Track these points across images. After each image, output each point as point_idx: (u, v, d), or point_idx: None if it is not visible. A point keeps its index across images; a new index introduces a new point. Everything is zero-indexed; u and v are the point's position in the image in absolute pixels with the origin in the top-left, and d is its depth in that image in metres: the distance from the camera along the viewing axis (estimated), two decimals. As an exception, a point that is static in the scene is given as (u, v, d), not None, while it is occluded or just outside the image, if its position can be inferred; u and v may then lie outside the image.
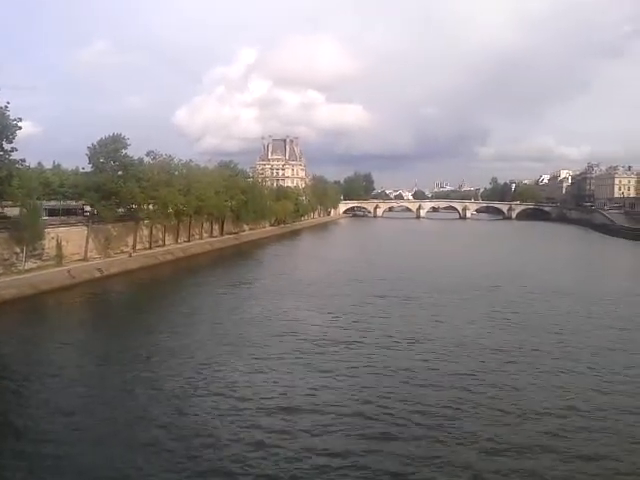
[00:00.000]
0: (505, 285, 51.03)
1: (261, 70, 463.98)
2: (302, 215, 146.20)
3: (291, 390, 23.36)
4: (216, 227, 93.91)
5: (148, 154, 71.76)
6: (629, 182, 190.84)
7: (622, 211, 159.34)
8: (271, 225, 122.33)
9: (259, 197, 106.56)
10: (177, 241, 78.15)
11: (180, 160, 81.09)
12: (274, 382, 24.35)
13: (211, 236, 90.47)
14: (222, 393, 22.98)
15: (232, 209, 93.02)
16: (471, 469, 17.11)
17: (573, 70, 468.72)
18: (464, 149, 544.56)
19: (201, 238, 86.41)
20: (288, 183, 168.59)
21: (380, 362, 27.26)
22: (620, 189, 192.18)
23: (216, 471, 16.90)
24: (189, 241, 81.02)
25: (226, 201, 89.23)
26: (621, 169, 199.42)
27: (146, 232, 70.27)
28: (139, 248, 67.14)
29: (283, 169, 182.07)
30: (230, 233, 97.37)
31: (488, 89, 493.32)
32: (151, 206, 67.93)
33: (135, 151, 65.79)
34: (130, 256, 61.72)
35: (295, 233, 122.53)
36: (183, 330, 33.19)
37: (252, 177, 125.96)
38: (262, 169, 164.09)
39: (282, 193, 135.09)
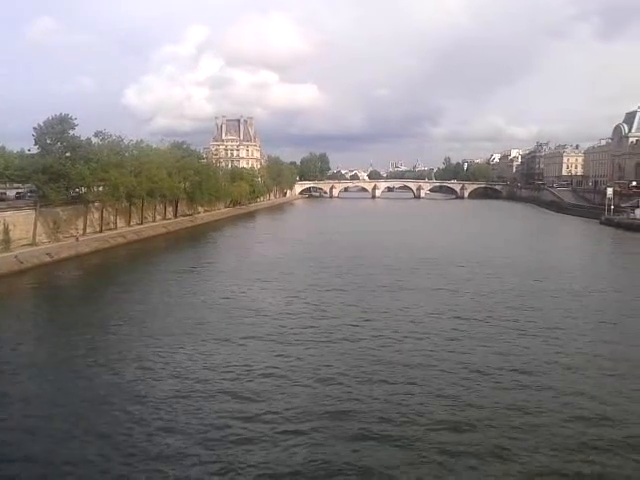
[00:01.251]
0: (457, 260, 52.44)
1: (212, 49, 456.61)
2: (258, 196, 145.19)
3: (248, 372, 23.22)
4: (170, 209, 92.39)
5: (97, 134, 69.88)
6: (576, 160, 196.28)
7: (570, 189, 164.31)
8: (226, 207, 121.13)
9: (213, 178, 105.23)
10: (129, 224, 76.52)
11: (131, 141, 79.46)
12: (233, 365, 24.15)
13: (165, 218, 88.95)
14: (178, 376, 22.74)
15: (186, 191, 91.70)
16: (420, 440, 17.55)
17: (520, 52, 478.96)
18: (418, 130, 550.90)
19: (154, 221, 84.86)
20: (243, 164, 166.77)
21: (338, 341, 27.49)
22: (568, 167, 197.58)
23: (172, 456, 16.68)
24: (142, 224, 79.44)
25: (179, 182, 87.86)
26: (569, 148, 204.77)
27: (97, 215, 68.54)
28: (90, 232, 65.46)
29: (238, 150, 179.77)
30: (184, 215, 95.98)
31: (439, 71, 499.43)
32: (101, 188, 66.30)
33: (86, 132, 64.28)
34: (77, 240, 59.85)
35: (251, 214, 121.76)
36: (137, 315, 32.57)
37: (206, 158, 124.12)
38: (216, 150, 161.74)
39: (237, 174, 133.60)
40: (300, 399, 20.54)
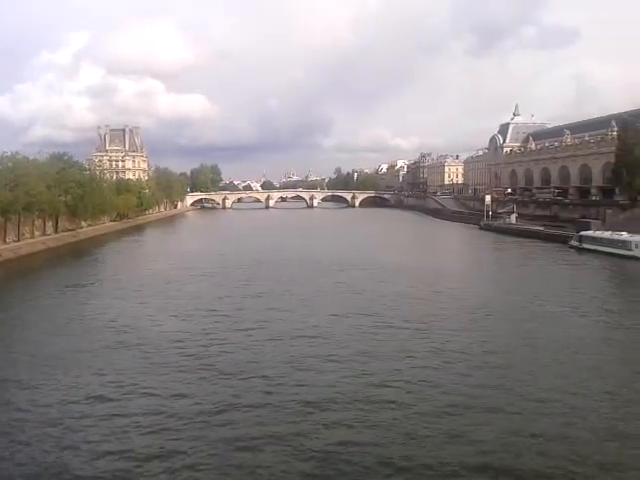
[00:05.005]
0: (348, 269, 53.32)
1: (93, 56, 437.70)
2: (146, 209, 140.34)
3: (128, 397, 21.92)
4: (50, 224, 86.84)
5: (-36, 147, 64.33)
6: (457, 170, 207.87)
7: (452, 196, 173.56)
8: (112, 220, 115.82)
9: (97, 191, 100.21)
10: (5, 241, 70.96)
11: (5, 152, 74.06)
12: (116, 394, 22.45)
13: (44, 234, 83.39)
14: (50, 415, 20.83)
15: (67, 204, 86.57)
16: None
17: (401, 67, 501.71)
18: (309, 140, 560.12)
19: (32, 237, 79.29)
20: (129, 175, 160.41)
21: (228, 357, 26.87)
22: (450, 176, 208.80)
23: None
24: (19, 240, 73.95)
25: (60, 196, 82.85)
26: (450, 158, 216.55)
27: (-35, 233, 63.09)
28: (-43, 251, 59.98)
29: (123, 160, 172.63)
30: (66, 230, 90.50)
31: (328, 83, 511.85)
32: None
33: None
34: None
35: (139, 228, 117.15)
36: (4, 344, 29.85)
37: (89, 170, 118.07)
38: (100, 161, 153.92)
39: (123, 186, 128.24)
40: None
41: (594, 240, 67.33)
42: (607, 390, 22.19)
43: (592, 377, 23.63)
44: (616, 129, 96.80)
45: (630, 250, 60.14)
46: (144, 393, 22.33)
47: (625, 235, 63.22)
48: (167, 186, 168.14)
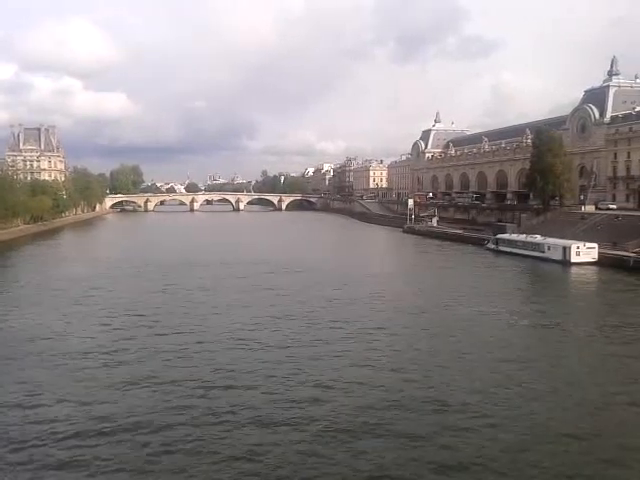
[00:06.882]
0: (277, 271, 53.16)
1: (5, 52, 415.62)
2: (63, 211, 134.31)
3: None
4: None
5: None
6: (381, 174, 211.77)
7: (377, 200, 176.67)
8: (26, 223, 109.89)
9: (9, 192, 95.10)
10: None
11: None
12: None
13: (-52, 238, 78.16)
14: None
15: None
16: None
17: (327, 71, 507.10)
18: (235, 142, 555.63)
19: None
20: (45, 176, 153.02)
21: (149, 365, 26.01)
22: (374, 180, 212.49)
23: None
24: None
25: (-34, 197, 77.98)
26: (374, 163, 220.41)
27: None
28: None
29: (38, 161, 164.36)
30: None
31: (253, 86, 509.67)
32: None
33: None
34: None
35: (55, 231, 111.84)
36: None
37: (0, 170, 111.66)
38: (13, 161, 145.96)
39: (39, 187, 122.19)
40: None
41: (510, 243, 70.17)
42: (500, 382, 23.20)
43: (502, 370, 24.61)
44: (530, 137, 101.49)
45: (543, 252, 63.06)
46: (57, 400, 21.61)
47: (539, 238, 66.23)
48: (85, 187, 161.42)
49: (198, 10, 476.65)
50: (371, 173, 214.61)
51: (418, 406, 21.07)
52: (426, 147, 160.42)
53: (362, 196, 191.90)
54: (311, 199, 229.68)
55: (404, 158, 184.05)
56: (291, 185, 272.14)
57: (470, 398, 21.78)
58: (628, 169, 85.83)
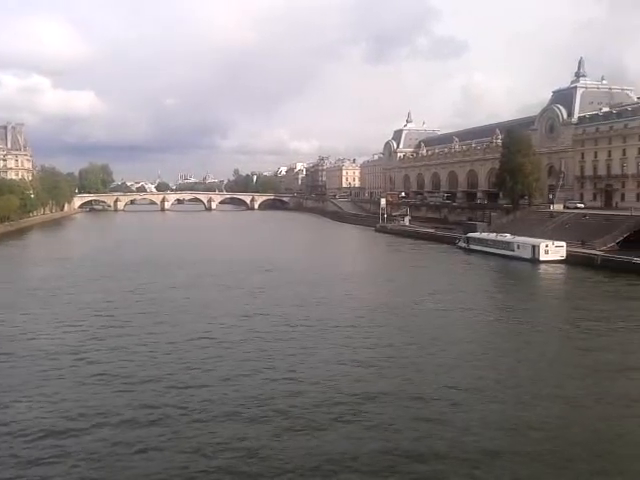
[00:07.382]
0: (249, 271, 52.95)
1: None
2: (30, 211, 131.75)
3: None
4: None
5: None
6: (354, 173, 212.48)
7: (349, 199, 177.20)
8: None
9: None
10: None
11: None
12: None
13: None
14: None
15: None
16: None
17: (301, 70, 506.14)
18: (207, 141, 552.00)
19: None
20: (12, 175, 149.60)
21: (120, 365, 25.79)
22: (347, 179, 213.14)
23: None
24: None
25: None
26: (347, 162, 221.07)
27: None
28: None
29: (5, 160, 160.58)
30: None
31: (226, 84, 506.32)
32: None
33: None
34: None
35: (22, 231, 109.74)
36: None
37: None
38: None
39: (5, 187, 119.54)
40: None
41: (480, 241, 71.15)
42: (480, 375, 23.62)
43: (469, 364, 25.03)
44: (500, 137, 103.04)
45: (513, 251, 64.07)
46: (25, 400, 21.44)
47: (508, 236, 67.27)
48: (53, 187, 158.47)
49: (172, 7, 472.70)
50: (344, 172, 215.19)
51: (390, 399, 21.40)
52: (398, 147, 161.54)
53: (335, 195, 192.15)
54: (284, 198, 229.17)
55: (376, 158, 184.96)
56: (264, 184, 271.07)
57: (441, 391, 22.20)
58: (595, 169, 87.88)
